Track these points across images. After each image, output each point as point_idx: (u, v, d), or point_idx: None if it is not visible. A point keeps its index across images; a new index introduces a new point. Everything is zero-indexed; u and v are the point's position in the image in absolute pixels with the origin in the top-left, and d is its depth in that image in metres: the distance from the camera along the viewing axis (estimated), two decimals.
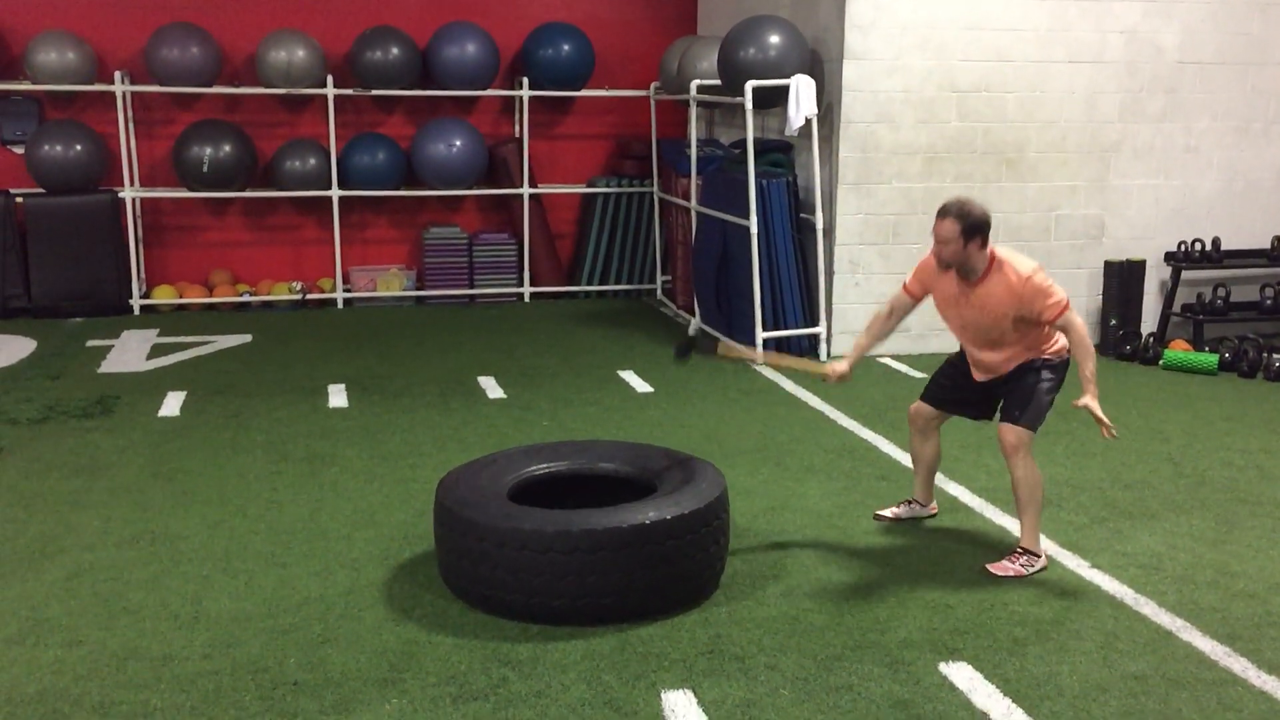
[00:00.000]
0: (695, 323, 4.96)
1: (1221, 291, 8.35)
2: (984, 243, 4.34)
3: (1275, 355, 7.54)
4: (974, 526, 4.97)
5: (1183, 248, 8.40)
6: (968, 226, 4.29)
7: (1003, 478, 5.43)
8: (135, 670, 3.67)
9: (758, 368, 7.61)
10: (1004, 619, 4.08)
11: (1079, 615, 4.13)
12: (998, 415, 4.58)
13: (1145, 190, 8.33)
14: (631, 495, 4.36)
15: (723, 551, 4.25)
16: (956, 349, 4.80)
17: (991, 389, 4.61)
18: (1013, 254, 4.40)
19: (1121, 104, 8.14)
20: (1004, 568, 4.48)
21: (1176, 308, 8.49)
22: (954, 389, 4.77)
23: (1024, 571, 4.47)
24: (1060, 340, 4.47)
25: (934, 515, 5.06)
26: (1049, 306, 4.29)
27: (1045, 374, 4.46)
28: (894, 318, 4.76)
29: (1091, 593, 4.32)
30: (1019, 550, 4.55)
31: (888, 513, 5.07)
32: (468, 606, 4.10)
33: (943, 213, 4.33)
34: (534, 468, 4.53)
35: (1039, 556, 4.53)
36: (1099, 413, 4.24)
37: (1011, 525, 4.95)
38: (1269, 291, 8.42)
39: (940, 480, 5.48)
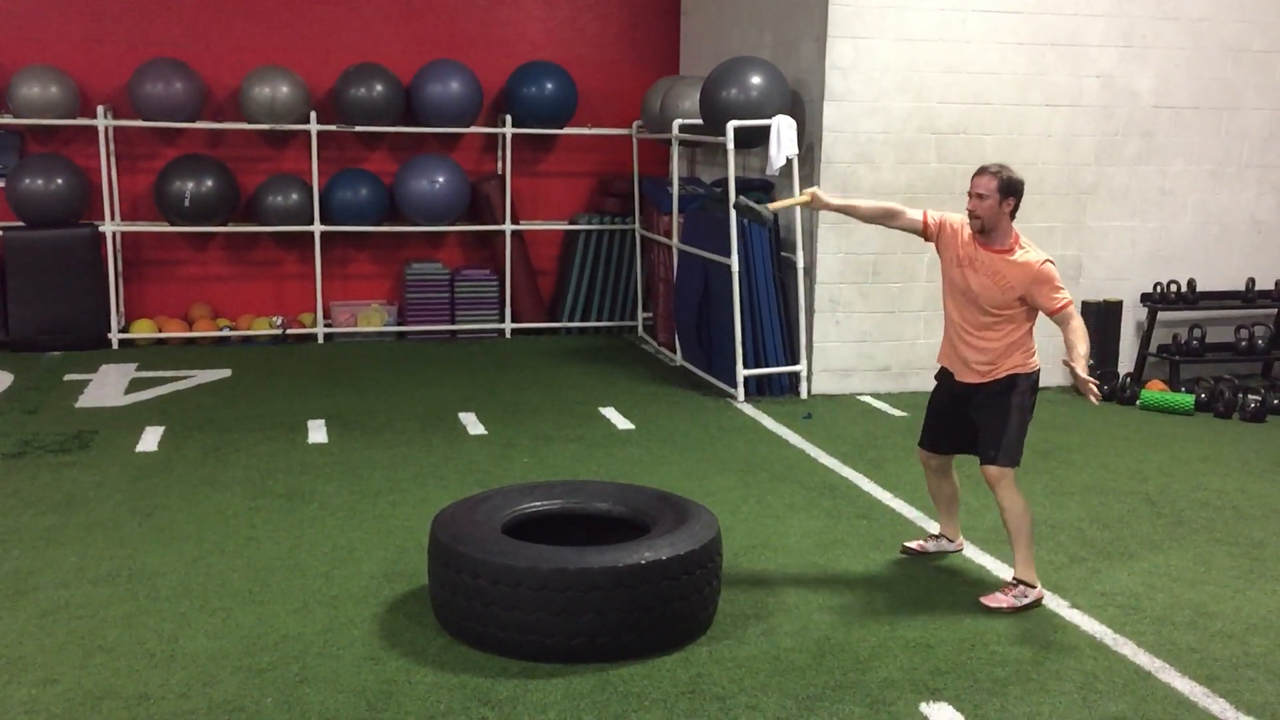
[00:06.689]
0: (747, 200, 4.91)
1: (1197, 332, 8.44)
2: (1015, 209, 4.48)
3: (1250, 396, 7.61)
4: (954, 565, 4.98)
5: (1158, 289, 8.49)
6: (1004, 183, 4.44)
7: (983, 516, 5.45)
8: (110, 710, 3.62)
9: (738, 405, 7.63)
10: (984, 659, 4.09)
11: (1059, 655, 4.14)
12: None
13: (1121, 232, 8.43)
14: (625, 536, 4.36)
15: (715, 594, 4.25)
16: (937, 376, 4.84)
17: (970, 411, 4.64)
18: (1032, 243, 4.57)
19: (1098, 147, 8.24)
20: (996, 599, 4.50)
21: (1153, 348, 8.57)
22: (941, 425, 4.81)
23: (1016, 604, 4.48)
24: (1036, 356, 4.57)
25: (960, 551, 5.08)
26: (1055, 298, 4.41)
27: (1017, 398, 4.52)
28: (890, 219, 4.84)
29: (1071, 633, 4.33)
30: (1013, 582, 4.57)
31: (913, 545, 5.08)
32: (448, 645, 4.07)
33: (982, 170, 4.50)
34: (528, 505, 4.53)
35: (1034, 587, 4.54)
36: (1084, 375, 4.28)
37: (990, 563, 4.97)
38: (1244, 333, 8.51)
39: (921, 519, 5.50)
